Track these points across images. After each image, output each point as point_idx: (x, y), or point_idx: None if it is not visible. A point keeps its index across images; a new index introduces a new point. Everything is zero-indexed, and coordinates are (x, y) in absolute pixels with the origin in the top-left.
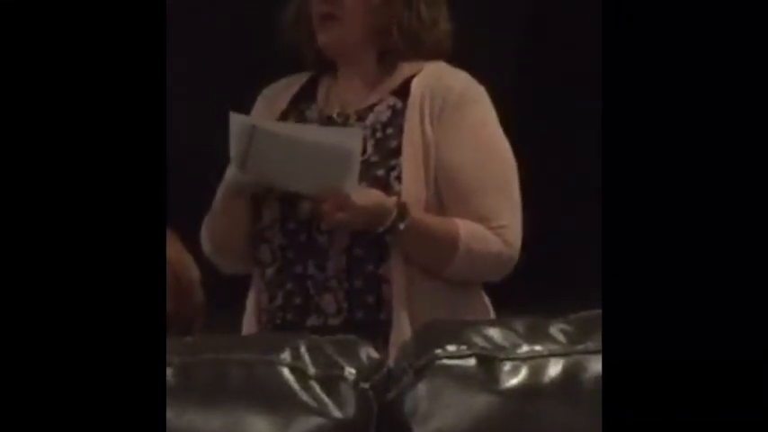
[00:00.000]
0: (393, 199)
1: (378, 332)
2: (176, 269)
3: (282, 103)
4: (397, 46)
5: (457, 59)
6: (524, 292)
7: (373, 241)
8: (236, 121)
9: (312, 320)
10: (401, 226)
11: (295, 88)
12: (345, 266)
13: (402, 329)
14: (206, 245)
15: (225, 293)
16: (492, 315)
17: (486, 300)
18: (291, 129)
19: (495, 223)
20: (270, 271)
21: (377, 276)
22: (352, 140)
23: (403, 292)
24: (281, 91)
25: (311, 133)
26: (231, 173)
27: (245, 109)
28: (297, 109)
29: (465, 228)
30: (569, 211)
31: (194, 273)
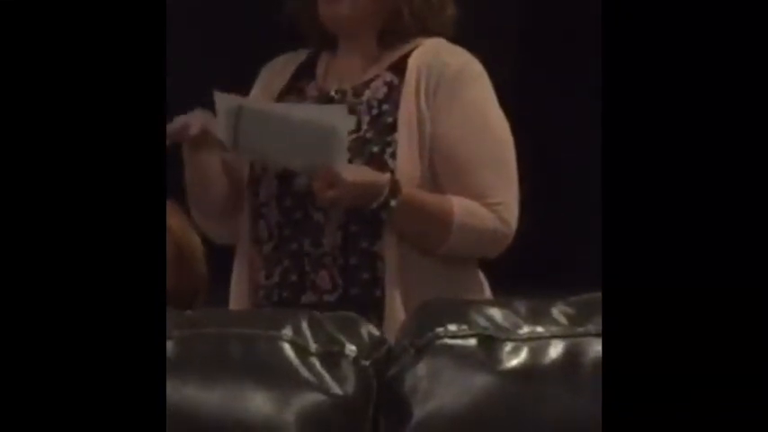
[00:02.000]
0: (386, 176)
1: (373, 309)
2: (180, 242)
3: (282, 81)
4: (403, 27)
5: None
6: (522, 270)
7: (368, 218)
8: (223, 100)
9: (308, 297)
10: (393, 203)
11: (294, 65)
12: (341, 243)
13: (395, 307)
14: (195, 217)
15: (226, 267)
16: (488, 293)
17: (482, 278)
18: (278, 108)
19: (491, 200)
20: (267, 247)
21: (371, 253)
22: (337, 118)
23: (397, 269)
24: (281, 68)
25: (297, 112)
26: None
27: (245, 85)
28: (296, 86)
29: (459, 204)
30: (569, 191)
31: (197, 245)
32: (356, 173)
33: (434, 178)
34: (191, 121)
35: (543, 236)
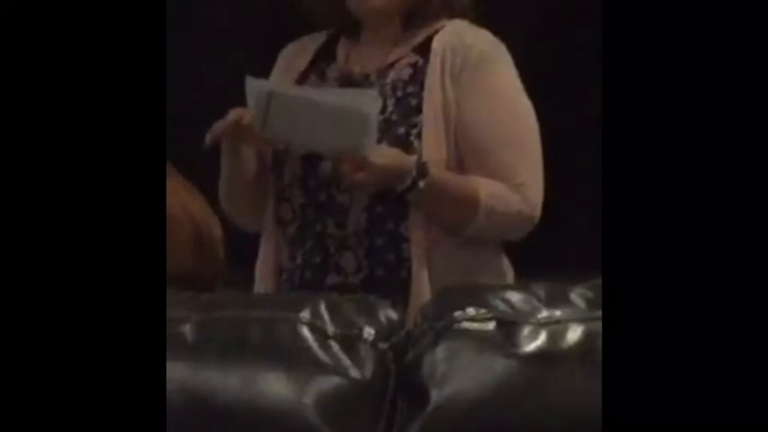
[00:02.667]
0: (413, 158)
1: (398, 291)
2: (199, 227)
3: (302, 63)
4: (432, 13)
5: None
6: (544, 252)
7: (394, 199)
8: (253, 85)
9: (332, 279)
10: (421, 184)
11: (314, 48)
12: (366, 224)
13: (421, 288)
14: (221, 200)
15: (243, 249)
16: (511, 276)
17: (506, 260)
18: (308, 93)
19: (516, 181)
20: (291, 229)
21: (397, 234)
22: (368, 102)
23: (423, 251)
24: (300, 51)
25: (328, 96)
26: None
27: (264, 68)
28: (317, 68)
29: (485, 186)
30: (589, 175)
31: (217, 231)
32: (385, 156)
33: (459, 159)
34: (243, 113)
35: (560, 219)
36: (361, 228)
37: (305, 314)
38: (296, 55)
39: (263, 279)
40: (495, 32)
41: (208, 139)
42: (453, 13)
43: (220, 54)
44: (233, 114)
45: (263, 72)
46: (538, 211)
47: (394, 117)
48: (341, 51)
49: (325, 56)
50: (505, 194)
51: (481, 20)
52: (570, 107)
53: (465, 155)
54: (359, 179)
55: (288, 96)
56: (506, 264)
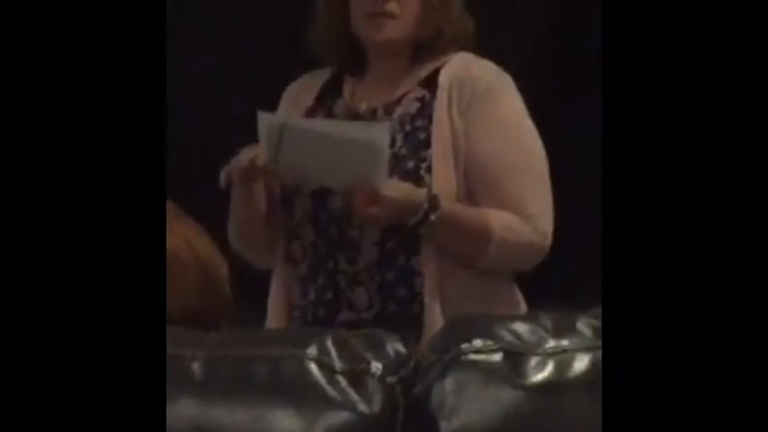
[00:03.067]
0: (424, 191)
1: (411, 325)
2: (205, 266)
3: (308, 100)
4: (438, 45)
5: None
6: (554, 282)
7: (405, 234)
8: (265, 119)
9: (344, 315)
10: (433, 217)
11: (319, 84)
12: (377, 260)
13: (435, 322)
14: (231, 239)
15: (252, 287)
16: (523, 306)
17: (517, 290)
18: (320, 125)
19: (527, 212)
20: (302, 266)
21: (409, 269)
22: (380, 135)
23: (435, 285)
24: (305, 88)
25: (340, 129)
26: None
27: (269, 104)
28: (323, 105)
29: (497, 218)
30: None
31: (223, 270)
32: (396, 189)
33: (470, 192)
34: (257, 153)
35: (568, 248)
36: (372, 263)
37: (312, 350)
38: (301, 92)
39: (274, 316)
40: (498, 63)
41: (223, 180)
42: (459, 47)
43: (223, 93)
44: (246, 154)
45: (268, 110)
46: (549, 241)
47: (403, 151)
48: (347, 87)
49: (330, 92)
50: (517, 225)
51: (483, 51)
52: (571, 136)
53: (475, 187)
54: (371, 213)
55: (300, 129)
56: (519, 294)
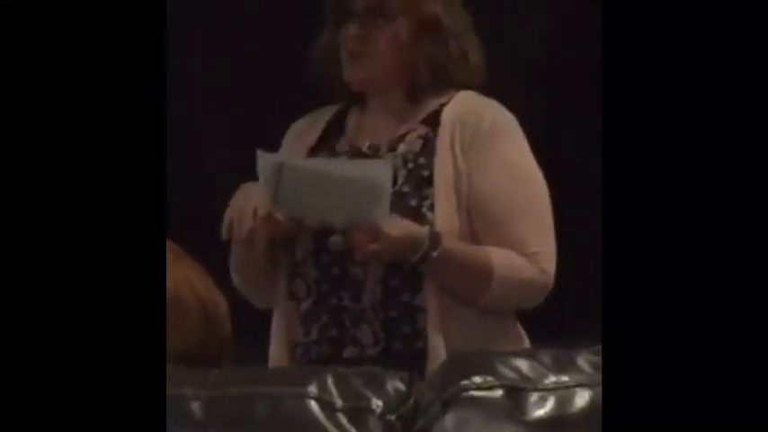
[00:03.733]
0: (426, 228)
1: (415, 361)
2: (206, 305)
3: (312, 138)
4: (425, 81)
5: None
6: (556, 319)
7: (408, 271)
8: (264, 159)
9: (349, 352)
10: (434, 255)
11: (323, 122)
12: (381, 297)
13: (438, 358)
14: (233, 278)
15: (253, 325)
16: (526, 343)
17: (520, 328)
18: (320, 164)
19: (529, 250)
20: (305, 305)
21: (412, 306)
22: (381, 173)
23: (438, 322)
24: (309, 125)
25: (340, 167)
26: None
27: (274, 143)
28: (327, 143)
29: (498, 256)
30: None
31: (223, 308)
32: (398, 226)
33: (472, 230)
34: (253, 207)
35: (570, 284)
36: (376, 301)
37: (312, 388)
38: (306, 129)
39: (276, 355)
40: (503, 103)
41: (224, 233)
42: (457, 82)
43: (225, 130)
44: (245, 205)
45: (272, 147)
46: (551, 279)
47: (405, 189)
48: (350, 125)
49: (334, 131)
50: (519, 263)
51: (489, 90)
52: (573, 174)
53: (477, 225)
54: (372, 250)
55: (299, 168)
56: (521, 331)
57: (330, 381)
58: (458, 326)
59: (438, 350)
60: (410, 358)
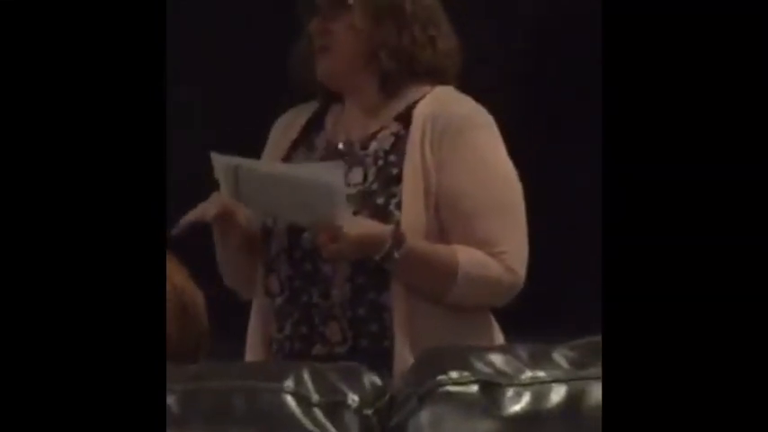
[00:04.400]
0: (389, 227)
1: (382, 360)
2: (182, 297)
3: (294, 132)
4: (390, 69)
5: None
6: (533, 316)
7: (375, 269)
8: (219, 161)
9: (318, 349)
10: (396, 254)
11: (306, 117)
12: (349, 295)
13: (404, 357)
14: (223, 276)
15: (229, 319)
16: (501, 340)
17: (495, 324)
18: (273, 168)
19: (497, 249)
20: (279, 300)
21: (379, 304)
22: (332, 175)
23: (404, 320)
24: (293, 120)
25: (293, 171)
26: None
27: (261, 138)
28: (307, 138)
29: (464, 254)
30: (573, 236)
31: (199, 300)
32: (358, 226)
33: (440, 228)
34: (208, 207)
35: (545, 280)
36: (345, 298)
37: (289, 383)
38: (290, 123)
39: (252, 350)
40: (483, 98)
41: (176, 230)
42: (428, 73)
43: (202, 128)
44: (198, 209)
45: (258, 143)
46: (521, 278)
47: (374, 187)
48: (329, 120)
49: (315, 126)
50: (485, 262)
51: (466, 84)
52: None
53: (446, 223)
54: (334, 250)
55: (254, 170)
56: (495, 328)
57: (306, 375)
58: (425, 324)
59: (404, 349)
60: (377, 356)
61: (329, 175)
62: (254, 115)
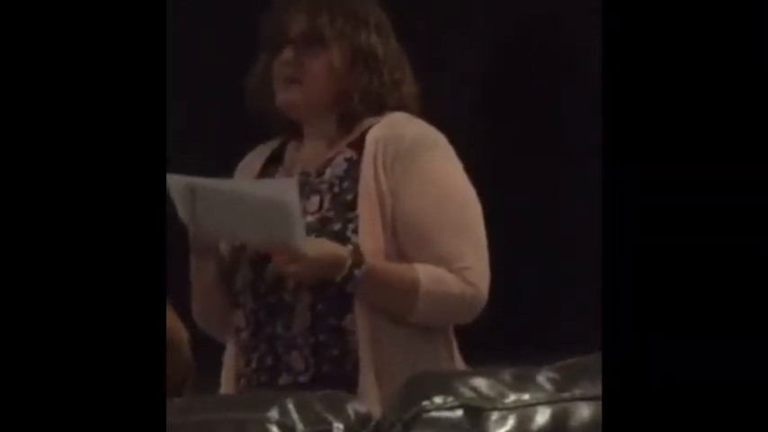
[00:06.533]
0: (348, 247)
1: (345, 385)
2: (168, 332)
3: (256, 169)
4: (357, 109)
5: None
6: (497, 337)
7: (335, 295)
8: (175, 181)
9: (283, 379)
10: (357, 273)
11: (266, 153)
12: (310, 323)
13: (369, 381)
14: (196, 318)
15: (213, 355)
16: (459, 361)
17: (455, 346)
18: (228, 184)
19: (457, 265)
20: (244, 335)
21: (341, 329)
22: (287, 191)
23: (368, 343)
24: (256, 157)
25: (248, 188)
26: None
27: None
28: (268, 172)
29: (425, 271)
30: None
31: (183, 333)
32: (318, 247)
33: (399, 250)
34: None
35: (517, 301)
36: (305, 326)
37: (273, 413)
38: (251, 161)
39: (225, 387)
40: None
41: None
42: (390, 108)
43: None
44: None
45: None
46: (483, 293)
47: (330, 214)
48: (288, 154)
49: (274, 160)
50: (446, 278)
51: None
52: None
53: (405, 245)
54: (292, 270)
55: (209, 189)
56: (454, 350)
57: (291, 405)
58: (389, 346)
59: (368, 373)
60: (340, 382)
61: (284, 191)
62: (219, 152)
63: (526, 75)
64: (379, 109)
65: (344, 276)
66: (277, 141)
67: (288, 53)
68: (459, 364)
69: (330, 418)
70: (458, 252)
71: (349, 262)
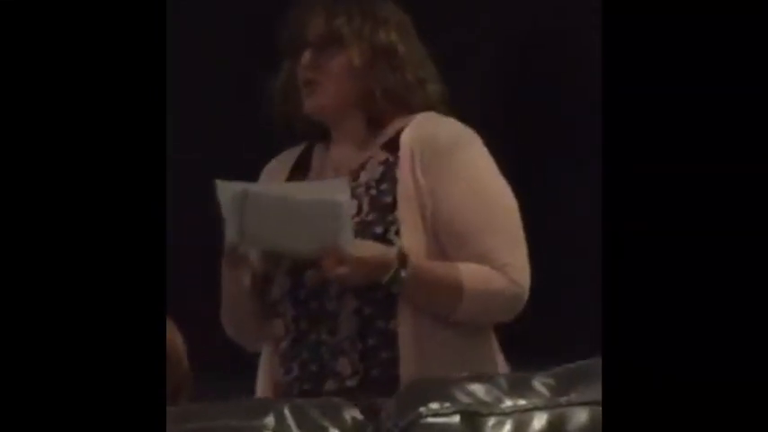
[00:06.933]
0: (393, 249)
1: (394, 388)
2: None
3: (282, 176)
4: (383, 109)
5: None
6: (534, 336)
7: (381, 298)
8: (225, 188)
9: (329, 385)
10: (403, 274)
11: (293, 159)
12: (357, 327)
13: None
14: (226, 328)
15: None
16: (502, 362)
17: (497, 346)
18: (281, 189)
19: (497, 263)
20: (284, 344)
21: (388, 332)
22: (338, 191)
23: (413, 345)
24: (281, 164)
25: (299, 191)
26: (226, 247)
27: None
28: (296, 178)
29: (467, 269)
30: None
31: (180, 342)
32: (364, 248)
33: (440, 249)
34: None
35: (554, 302)
36: (353, 332)
37: (269, 420)
38: (276, 170)
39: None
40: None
41: None
42: (418, 108)
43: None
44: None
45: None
46: (525, 290)
47: (370, 217)
48: (315, 160)
49: (302, 167)
50: (488, 275)
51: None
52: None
53: (445, 244)
54: (341, 273)
55: (262, 195)
56: (497, 350)
57: (287, 412)
58: (433, 348)
59: (412, 374)
60: (388, 385)
61: (335, 192)
62: (242, 159)
63: (526, 75)
64: (406, 108)
65: (390, 278)
66: (302, 146)
67: (307, 56)
68: (502, 363)
69: (327, 424)
70: (497, 249)
71: (395, 263)
